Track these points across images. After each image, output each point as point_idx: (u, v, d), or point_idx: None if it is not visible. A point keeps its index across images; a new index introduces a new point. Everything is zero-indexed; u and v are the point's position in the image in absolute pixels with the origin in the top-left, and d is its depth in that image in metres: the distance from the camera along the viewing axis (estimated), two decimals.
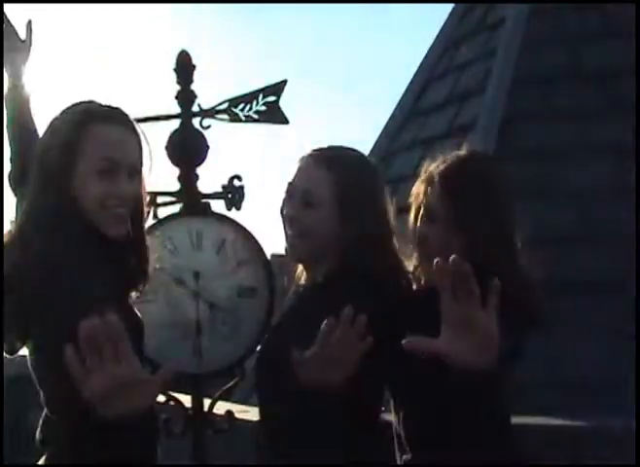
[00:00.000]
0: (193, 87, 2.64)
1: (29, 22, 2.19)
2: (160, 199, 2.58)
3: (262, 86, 2.69)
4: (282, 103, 2.67)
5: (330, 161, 1.91)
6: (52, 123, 1.78)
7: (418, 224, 1.96)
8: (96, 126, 1.72)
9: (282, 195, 1.97)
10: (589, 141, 4.52)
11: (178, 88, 2.63)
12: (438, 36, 5.76)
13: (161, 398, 2.46)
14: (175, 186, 2.62)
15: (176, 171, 2.62)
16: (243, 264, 2.56)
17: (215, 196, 2.64)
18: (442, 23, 5.81)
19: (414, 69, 5.72)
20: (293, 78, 2.75)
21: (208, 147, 2.63)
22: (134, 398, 1.38)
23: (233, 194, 2.63)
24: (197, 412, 2.58)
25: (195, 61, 2.63)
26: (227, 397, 2.63)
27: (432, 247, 1.89)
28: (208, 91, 2.78)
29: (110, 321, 1.29)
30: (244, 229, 2.58)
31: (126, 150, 1.75)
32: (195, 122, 2.64)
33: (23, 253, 1.60)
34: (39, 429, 1.70)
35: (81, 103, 1.78)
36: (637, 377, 3.15)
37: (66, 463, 1.64)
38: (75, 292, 1.55)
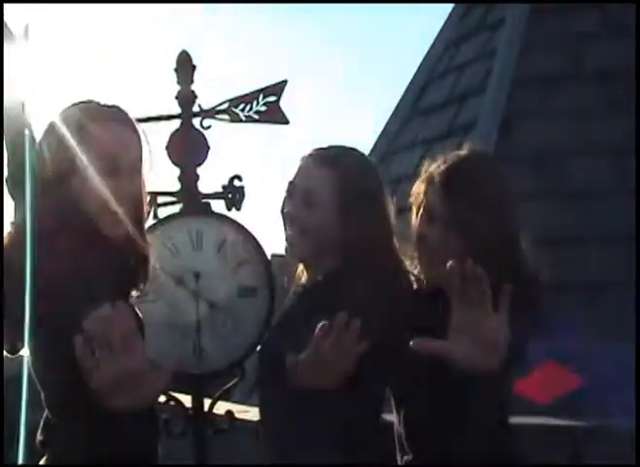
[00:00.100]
0: (193, 87, 2.64)
1: (26, 27, 2.18)
2: (160, 199, 2.58)
3: (262, 86, 2.69)
4: (282, 103, 2.68)
5: (331, 161, 1.91)
6: (51, 123, 1.78)
7: (418, 223, 1.96)
8: (96, 126, 1.72)
9: (282, 194, 1.97)
10: (589, 141, 4.52)
11: (178, 88, 2.63)
12: (438, 36, 5.76)
13: (161, 398, 2.45)
14: (175, 186, 2.62)
15: (176, 171, 2.62)
16: (243, 264, 2.56)
17: (215, 196, 2.64)
18: (442, 23, 5.81)
19: (414, 69, 5.72)
20: (293, 78, 2.75)
21: (208, 147, 2.63)
22: (142, 390, 1.39)
23: (234, 194, 2.63)
24: (197, 412, 2.58)
25: (195, 61, 2.64)
26: (227, 397, 2.63)
27: (431, 247, 1.89)
28: (208, 91, 2.78)
29: (121, 312, 1.29)
30: (244, 229, 2.58)
31: (126, 149, 1.75)
32: (196, 122, 2.65)
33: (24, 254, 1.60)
34: (39, 430, 1.70)
35: (80, 103, 1.78)
36: (637, 377, 3.15)
37: (66, 463, 1.64)
38: (75, 292, 1.55)
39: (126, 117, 1.78)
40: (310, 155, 1.95)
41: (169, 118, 2.64)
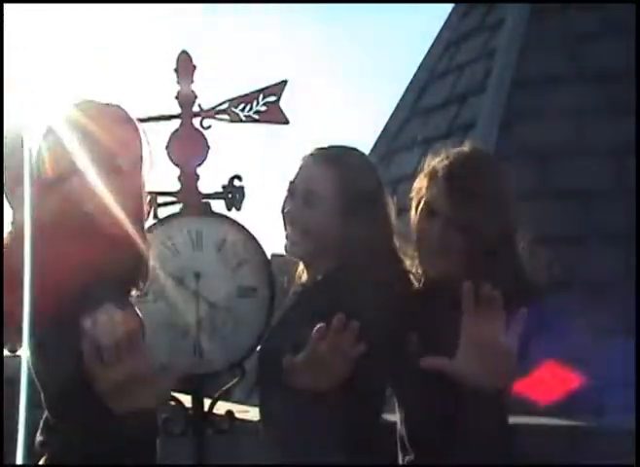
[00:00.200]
0: (193, 87, 2.64)
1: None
2: (160, 199, 2.58)
3: (262, 86, 2.69)
4: (282, 103, 2.68)
5: (331, 161, 1.91)
6: (51, 123, 1.78)
7: (418, 217, 1.95)
8: (96, 126, 1.72)
9: (283, 194, 1.97)
10: (589, 141, 4.52)
11: (178, 88, 2.63)
12: (438, 36, 5.76)
13: None
14: (175, 186, 2.62)
15: (176, 171, 2.62)
16: (243, 264, 2.56)
17: (215, 196, 2.64)
18: (442, 23, 5.81)
19: (414, 69, 5.72)
20: (293, 78, 2.75)
21: (208, 147, 2.64)
22: (147, 394, 1.39)
23: (234, 194, 2.63)
24: (197, 412, 2.58)
25: (195, 61, 2.64)
26: (227, 397, 2.63)
27: (431, 242, 1.89)
28: (208, 91, 2.78)
29: (124, 313, 1.30)
30: (244, 229, 2.58)
31: (127, 149, 1.75)
32: (196, 122, 2.65)
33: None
34: (39, 431, 1.70)
35: (80, 103, 1.78)
36: (637, 377, 3.15)
37: (66, 464, 1.64)
38: (76, 292, 1.55)
39: (127, 116, 1.78)
40: (311, 154, 1.96)
41: (169, 118, 2.65)
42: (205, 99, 2.66)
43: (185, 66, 2.63)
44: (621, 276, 3.98)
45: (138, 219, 1.81)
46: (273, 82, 2.70)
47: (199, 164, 2.62)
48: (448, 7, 5.84)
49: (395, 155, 5.30)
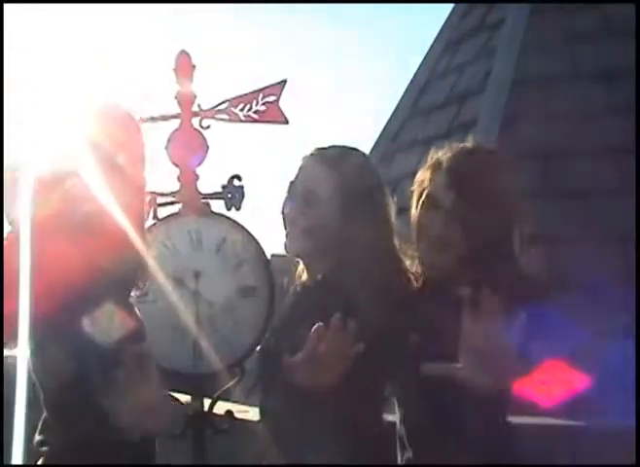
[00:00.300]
0: (192, 87, 2.64)
1: None
2: (160, 199, 2.58)
3: (261, 86, 2.69)
4: (282, 103, 2.68)
5: (332, 161, 1.91)
6: (51, 123, 1.78)
7: (419, 210, 1.95)
8: (96, 126, 1.72)
9: (283, 194, 1.97)
10: (589, 141, 4.51)
11: (177, 87, 2.63)
12: (438, 36, 5.76)
13: None
14: (175, 186, 2.62)
15: (176, 171, 2.62)
16: (243, 263, 2.56)
17: (215, 196, 2.64)
18: (442, 23, 5.81)
19: (414, 69, 5.72)
20: (293, 78, 2.75)
21: (208, 147, 2.64)
22: (156, 421, 1.41)
23: (233, 194, 2.63)
24: (197, 412, 2.58)
25: (194, 61, 2.64)
26: (226, 397, 2.63)
27: (432, 234, 1.88)
28: (208, 91, 2.78)
29: (142, 351, 1.31)
30: (244, 229, 2.59)
31: (127, 149, 1.75)
32: (195, 122, 2.65)
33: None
34: (38, 430, 1.69)
35: (80, 103, 1.78)
36: (637, 377, 3.15)
37: (65, 464, 1.64)
38: (76, 292, 1.55)
39: (127, 116, 1.78)
40: (311, 155, 1.96)
41: (169, 118, 2.65)
42: (205, 99, 2.67)
43: (184, 66, 2.63)
44: (621, 276, 3.98)
45: (138, 219, 1.81)
46: (273, 82, 2.70)
47: (199, 164, 2.63)
48: (448, 7, 5.84)
49: (395, 155, 5.29)
